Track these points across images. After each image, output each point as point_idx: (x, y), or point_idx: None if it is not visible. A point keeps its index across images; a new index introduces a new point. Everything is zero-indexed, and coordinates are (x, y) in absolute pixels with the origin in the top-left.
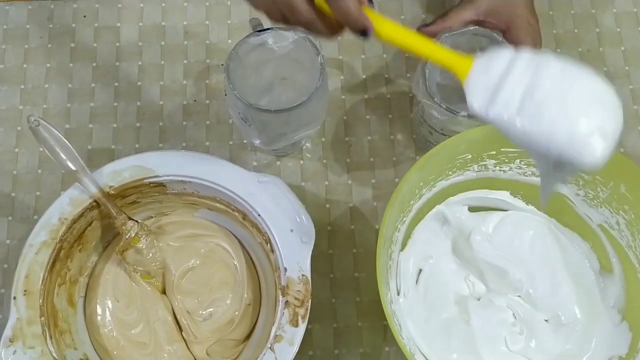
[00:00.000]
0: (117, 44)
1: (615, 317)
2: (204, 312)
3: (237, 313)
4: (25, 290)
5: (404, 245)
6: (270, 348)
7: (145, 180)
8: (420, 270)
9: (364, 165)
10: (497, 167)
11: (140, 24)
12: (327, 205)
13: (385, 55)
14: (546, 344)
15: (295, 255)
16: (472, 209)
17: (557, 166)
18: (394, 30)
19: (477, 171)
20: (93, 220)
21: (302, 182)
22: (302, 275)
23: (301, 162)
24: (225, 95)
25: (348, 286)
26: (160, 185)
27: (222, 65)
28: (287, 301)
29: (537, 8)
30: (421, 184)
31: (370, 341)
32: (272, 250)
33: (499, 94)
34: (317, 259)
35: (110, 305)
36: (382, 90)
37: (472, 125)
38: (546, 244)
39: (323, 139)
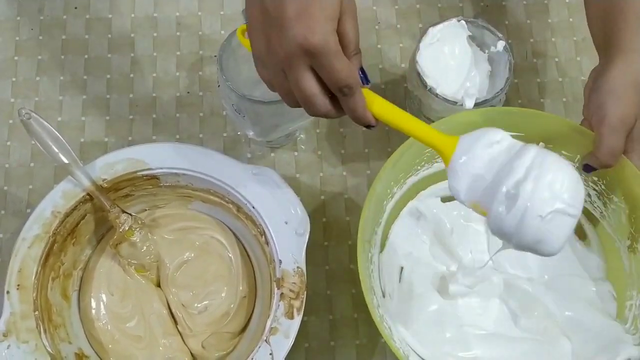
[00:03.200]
0: (109, 36)
1: (599, 286)
2: (199, 305)
3: (232, 306)
4: (18, 285)
5: (382, 246)
6: (265, 340)
7: (138, 173)
8: (402, 268)
9: (358, 156)
10: None
11: (132, 15)
12: (322, 197)
13: (379, 46)
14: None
15: (290, 247)
16: (444, 199)
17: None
18: (383, 109)
19: None
20: (86, 214)
21: (297, 173)
22: (297, 267)
23: (295, 153)
24: (219, 86)
25: (343, 278)
26: (154, 177)
27: (215, 56)
28: (282, 293)
29: None
30: (392, 183)
31: (366, 333)
32: (267, 243)
33: (490, 186)
34: (312, 250)
35: (104, 299)
36: (377, 81)
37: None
38: None
39: (317, 131)
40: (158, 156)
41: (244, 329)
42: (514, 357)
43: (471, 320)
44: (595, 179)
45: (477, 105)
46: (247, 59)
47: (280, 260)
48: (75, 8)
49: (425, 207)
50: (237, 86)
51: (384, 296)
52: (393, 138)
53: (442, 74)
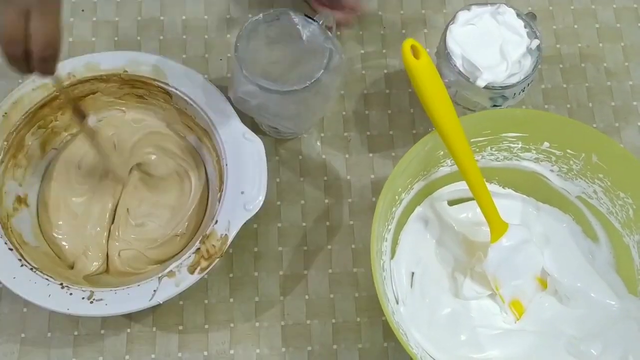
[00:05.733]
0: (116, 39)
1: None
2: (138, 219)
3: (164, 236)
4: (5, 113)
5: (393, 253)
6: (159, 277)
7: (155, 83)
8: (413, 274)
9: (362, 160)
10: None
11: (139, 18)
12: (326, 201)
13: (384, 51)
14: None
15: (232, 214)
16: (451, 203)
17: None
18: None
19: (450, 165)
20: (98, 91)
21: (301, 177)
22: (225, 235)
23: (300, 157)
24: (229, 76)
25: (346, 282)
26: (167, 93)
27: (221, 59)
28: (199, 248)
29: (537, 3)
30: (399, 189)
31: (369, 337)
32: (219, 200)
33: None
34: (316, 254)
35: (72, 169)
36: (381, 86)
37: (482, 92)
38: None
39: (322, 134)
40: (181, 78)
41: (163, 262)
42: (529, 353)
43: (485, 320)
44: (601, 175)
45: (487, 89)
46: (263, 49)
47: (216, 220)
48: (83, 11)
49: (433, 212)
50: (253, 75)
51: (397, 302)
52: (397, 143)
53: (470, 50)
